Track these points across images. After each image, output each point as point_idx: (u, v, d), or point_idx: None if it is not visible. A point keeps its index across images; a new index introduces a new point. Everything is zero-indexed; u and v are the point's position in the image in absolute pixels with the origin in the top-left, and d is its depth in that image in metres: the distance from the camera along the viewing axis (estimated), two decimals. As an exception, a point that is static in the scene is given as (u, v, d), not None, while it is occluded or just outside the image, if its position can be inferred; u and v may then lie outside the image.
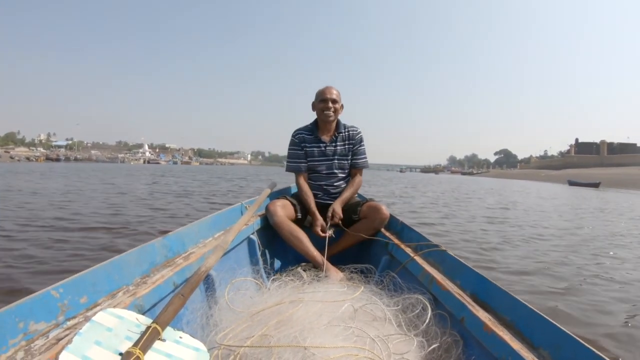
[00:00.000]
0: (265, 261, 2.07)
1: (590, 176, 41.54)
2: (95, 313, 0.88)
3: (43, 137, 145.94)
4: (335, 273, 1.84)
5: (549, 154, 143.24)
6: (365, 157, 2.42)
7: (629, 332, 2.18)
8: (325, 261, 1.91)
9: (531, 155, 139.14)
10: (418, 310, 1.25)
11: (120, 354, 0.79)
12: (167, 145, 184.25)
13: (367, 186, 15.27)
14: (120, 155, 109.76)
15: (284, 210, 2.11)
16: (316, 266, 1.93)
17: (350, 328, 1.06)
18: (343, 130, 2.35)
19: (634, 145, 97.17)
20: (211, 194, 10.16)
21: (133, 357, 0.77)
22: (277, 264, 2.24)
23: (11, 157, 64.02)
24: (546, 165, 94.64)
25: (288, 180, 2.95)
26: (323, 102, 2.25)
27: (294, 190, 2.60)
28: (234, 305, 1.22)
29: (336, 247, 2.16)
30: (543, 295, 2.76)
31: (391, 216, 2.18)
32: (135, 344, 0.81)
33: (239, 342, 1.00)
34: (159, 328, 0.89)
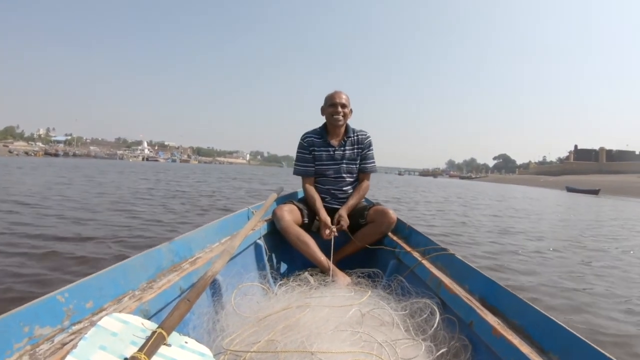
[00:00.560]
0: (272, 266, 2.06)
1: (589, 183, 41.59)
2: (100, 318, 0.87)
3: (42, 131, 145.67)
4: (342, 278, 1.83)
5: (548, 159, 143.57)
6: (374, 162, 2.43)
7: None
8: (332, 266, 1.90)
9: (530, 161, 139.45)
10: (426, 315, 1.24)
11: (126, 358, 0.79)
12: (166, 143, 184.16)
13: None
14: (119, 152, 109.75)
15: (290, 215, 2.11)
16: (323, 271, 1.92)
17: (357, 333, 1.05)
18: (352, 135, 2.36)
19: (633, 152, 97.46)
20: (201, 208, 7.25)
21: None
22: (284, 268, 2.23)
23: (10, 152, 63.95)
24: (545, 171, 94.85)
25: (288, 179, 2.93)
26: (332, 106, 2.25)
27: (301, 195, 2.60)
28: (241, 310, 1.22)
29: (343, 252, 2.16)
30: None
31: (398, 220, 2.18)
32: (141, 349, 0.80)
33: (246, 348, 1.00)
34: (164, 333, 0.88)
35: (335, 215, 2.18)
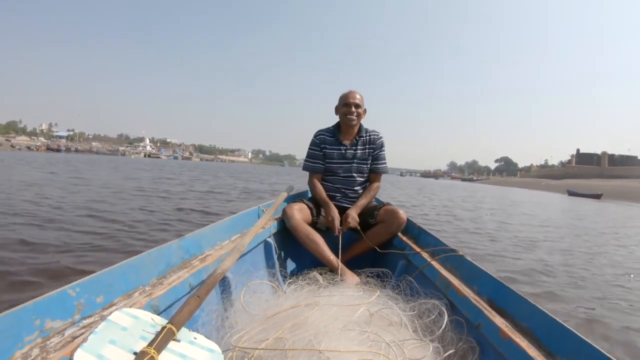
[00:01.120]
0: (281, 264, 2.06)
1: (590, 187, 41.52)
2: (111, 312, 0.88)
3: (45, 126, 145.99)
4: (351, 277, 1.83)
5: (550, 163, 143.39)
6: (385, 163, 2.43)
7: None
8: (342, 265, 1.90)
9: (532, 164, 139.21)
10: (434, 316, 1.23)
11: (135, 353, 0.79)
12: (168, 140, 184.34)
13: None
14: (121, 148, 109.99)
15: (300, 214, 2.11)
16: (332, 270, 1.92)
17: (365, 332, 1.04)
18: (365, 135, 2.36)
19: (635, 157, 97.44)
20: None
21: (147, 357, 0.77)
22: (293, 267, 2.23)
23: (12, 146, 64.21)
24: (546, 175, 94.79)
25: (286, 179, 2.90)
26: (346, 106, 2.26)
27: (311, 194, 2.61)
28: (250, 307, 1.22)
29: (352, 252, 2.16)
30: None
31: (408, 220, 2.17)
32: (150, 344, 0.81)
33: (254, 345, 1.00)
34: (174, 329, 0.88)
35: (345, 214, 2.18)
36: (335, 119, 2.40)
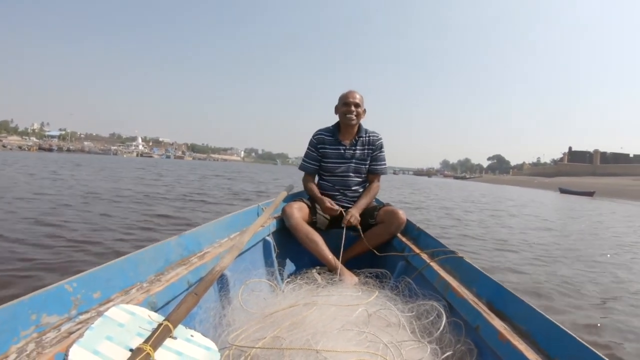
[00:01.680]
0: (280, 263, 2.06)
1: (583, 185, 41.68)
2: (107, 308, 0.87)
3: (36, 126, 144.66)
4: (350, 277, 1.82)
5: (542, 161, 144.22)
6: (385, 164, 2.43)
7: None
8: (340, 265, 1.89)
9: (524, 162, 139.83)
10: (433, 317, 1.23)
11: (131, 349, 0.79)
12: (160, 139, 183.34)
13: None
14: (113, 148, 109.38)
15: (300, 213, 2.11)
16: (331, 270, 1.92)
17: (363, 333, 1.04)
18: (364, 135, 2.37)
19: (627, 155, 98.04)
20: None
21: (143, 354, 0.77)
22: (292, 266, 2.23)
23: (3, 146, 63.46)
24: (539, 173, 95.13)
25: (278, 178, 2.88)
26: (346, 105, 2.27)
27: None
28: (248, 306, 1.21)
29: (352, 252, 2.16)
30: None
31: (408, 221, 2.17)
32: (146, 341, 0.81)
33: (251, 343, 0.99)
34: (170, 326, 0.88)
35: (346, 213, 2.18)
36: (335, 118, 2.41)
